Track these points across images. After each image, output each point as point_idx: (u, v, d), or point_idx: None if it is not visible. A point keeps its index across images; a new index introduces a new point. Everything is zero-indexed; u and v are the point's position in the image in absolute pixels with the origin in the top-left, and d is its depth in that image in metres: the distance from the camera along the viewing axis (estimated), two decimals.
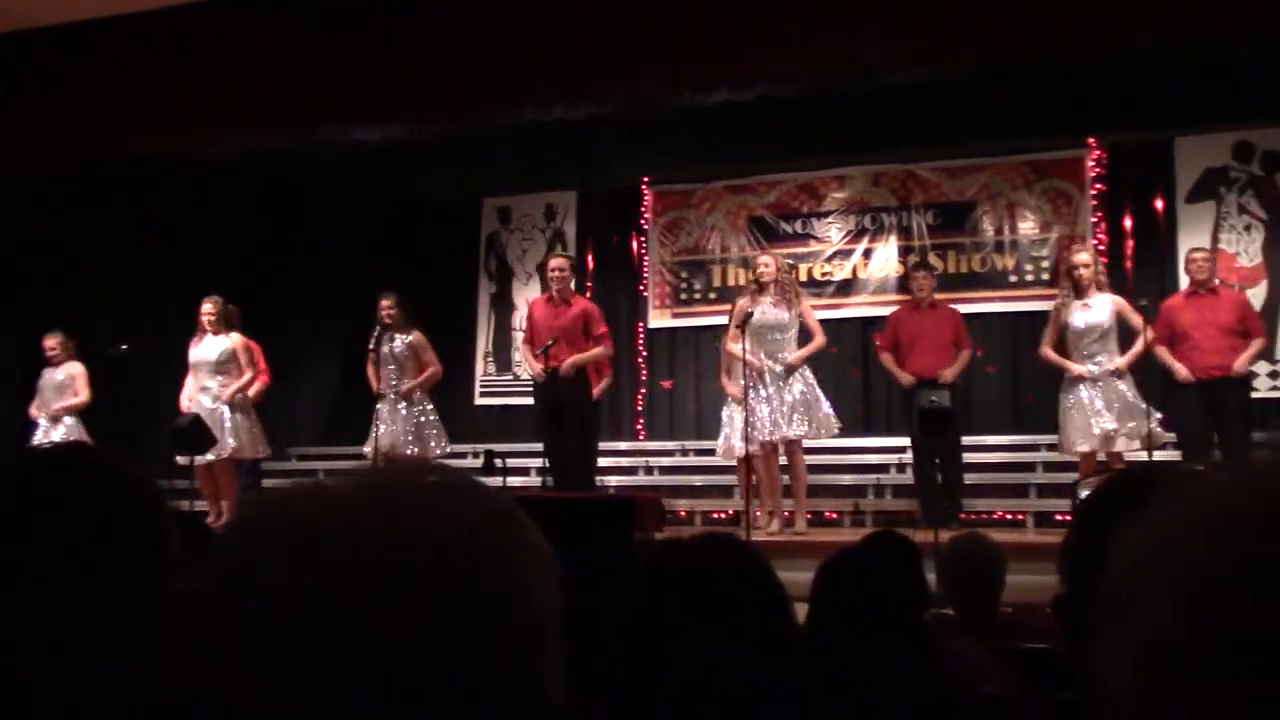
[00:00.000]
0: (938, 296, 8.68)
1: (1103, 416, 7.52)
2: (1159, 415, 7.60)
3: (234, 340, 8.54)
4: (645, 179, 11.05)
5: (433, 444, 8.61)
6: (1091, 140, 9.84)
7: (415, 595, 0.67)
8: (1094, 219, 9.89)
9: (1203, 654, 0.53)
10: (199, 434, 7.92)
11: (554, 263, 8.40)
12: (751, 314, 7.77)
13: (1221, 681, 0.53)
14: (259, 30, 8.10)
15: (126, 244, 9.69)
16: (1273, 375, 9.05)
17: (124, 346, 8.63)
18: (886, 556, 2.16)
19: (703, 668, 1.32)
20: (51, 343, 8.80)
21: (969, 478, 8.50)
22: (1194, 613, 0.54)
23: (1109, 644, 0.58)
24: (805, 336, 8.00)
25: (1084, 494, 5.69)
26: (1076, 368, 7.63)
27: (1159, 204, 9.74)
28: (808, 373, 7.97)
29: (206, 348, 8.50)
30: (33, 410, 8.84)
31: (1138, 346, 7.58)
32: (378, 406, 8.58)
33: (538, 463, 8.89)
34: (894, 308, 9.63)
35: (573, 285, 8.45)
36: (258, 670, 0.66)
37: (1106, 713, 0.58)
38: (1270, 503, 0.55)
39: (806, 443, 8.02)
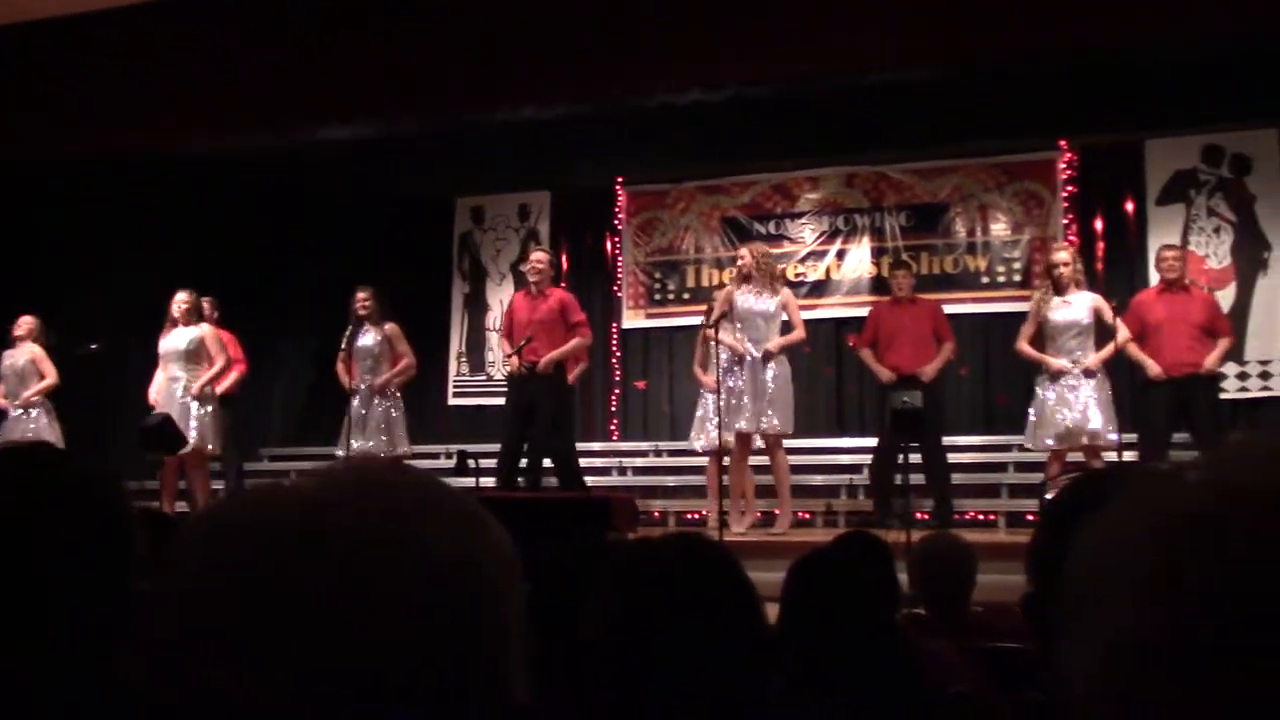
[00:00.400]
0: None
1: (1074, 414, 7.53)
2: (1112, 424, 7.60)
3: (203, 330, 8.45)
4: (619, 179, 11.05)
5: (401, 445, 8.58)
6: (1063, 143, 9.90)
7: (377, 595, 0.67)
8: (1065, 221, 9.95)
9: (1164, 654, 0.53)
10: (169, 433, 7.85)
11: (535, 256, 8.47)
12: (734, 303, 7.84)
13: (1182, 681, 0.53)
14: (226, 27, 8.06)
15: (99, 239, 9.61)
16: (1241, 376, 9.13)
17: (94, 345, 8.56)
18: (857, 556, 2.16)
19: (670, 667, 1.32)
20: (26, 322, 8.64)
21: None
22: (1156, 612, 0.54)
23: (1073, 644, 0.58)
24: (789, 329, 8.01)
25: (1051, 494, 5.72)
26: (1055, 362, 7.62)
27: (1129, 206, 9.81)
28: (785, 365, 7.96)
29: (175, 338, 8.41)
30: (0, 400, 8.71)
31: (1110, 348, 7.60)
32: (354, 403, 8.54)
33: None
34: (867, 309, 9.67)
35: (551, 280, 8.47)
36: (219, 669, 0.65)
37: (1073, 712, 0.58)
38: (1235, 502, 0.55)
39: None
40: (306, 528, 0.69)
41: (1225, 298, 9.12)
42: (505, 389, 8.69)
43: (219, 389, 8.58)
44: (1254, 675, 0.51)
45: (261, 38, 8.02)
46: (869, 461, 9.28)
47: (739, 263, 8.08)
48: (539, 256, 8.41)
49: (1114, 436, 7.47)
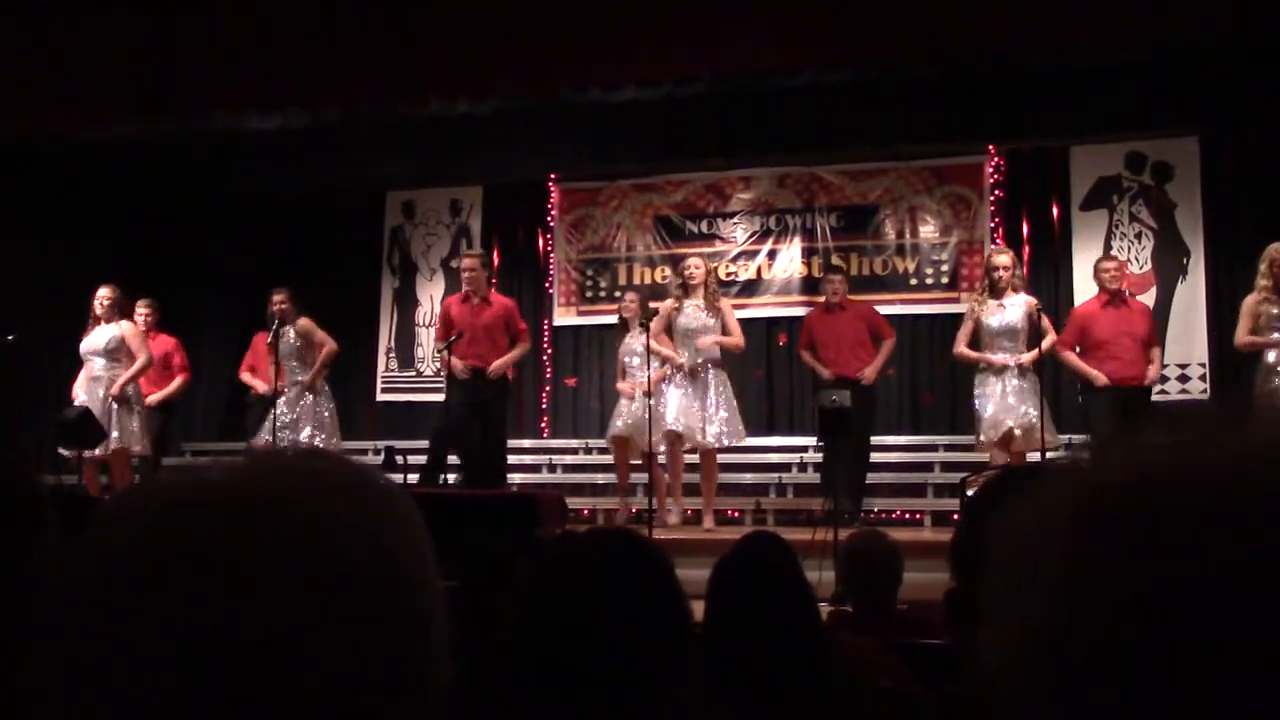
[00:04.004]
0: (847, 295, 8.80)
1: (1013, 410, 7.63)
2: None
3: (122, 328, 8.28)
4: (552, 175, 11.01)
5: (333, 439, 8.52)
6: (991, 147, 10.04)
7: (296, 578, 0.65)
8: (992, 224, 10.09)
9: (1074, 643, 0.54)
10: (87, 428, 7.69)
11: (465, 262, 8.41)
12: (674, 319, 7.99)
13: (1091, 671, 0.53)
14: (155, 11, 7.91)
15: (13, 231, 9.39)
16: (1160, 380, 9.30)
17: (10, 337, 8.36)
18: (764, 555, 2.19)
19: (588, 658, 1.31)
20: None
21: (868, 477, 8.62)
22: (1067, 601, 0.54)
23: (989, 637, 0.58)
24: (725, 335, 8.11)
25: (971, 490, 5.80)
26: (996, 358, 7.70)
27: (1054, 211, 9.97)
28: (724, 376, 8.04)
29: (96, 336, 8.24)
30: None
31: (1045, 343, 7.69)
32: (281, 400, 8.45)
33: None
34: (797, 308, 9.77)
35: (487, 282, 8.45)
36: (128, 655, 0.63)
37: (990, 706, 0.58)
38: (1142, 491, 0.55)
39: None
40: (226, 510, 0.67)
41: (1145, 302, 9.29)
42: (449, 387, 8.54)
43: (158, 396, 8.50)
44: (1161, 662, 0.51)
45: (186, 23, 7.88)
46: (797, 460, 9.37)
47: (688, 273, 8.09)
48: (470, 262, 8.36)
49: (1037, 429, 7.56)
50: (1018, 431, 7.60)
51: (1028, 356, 7.68)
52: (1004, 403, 7.64)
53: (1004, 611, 0.57)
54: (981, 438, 7.92)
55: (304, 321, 8.49)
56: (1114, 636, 0.53)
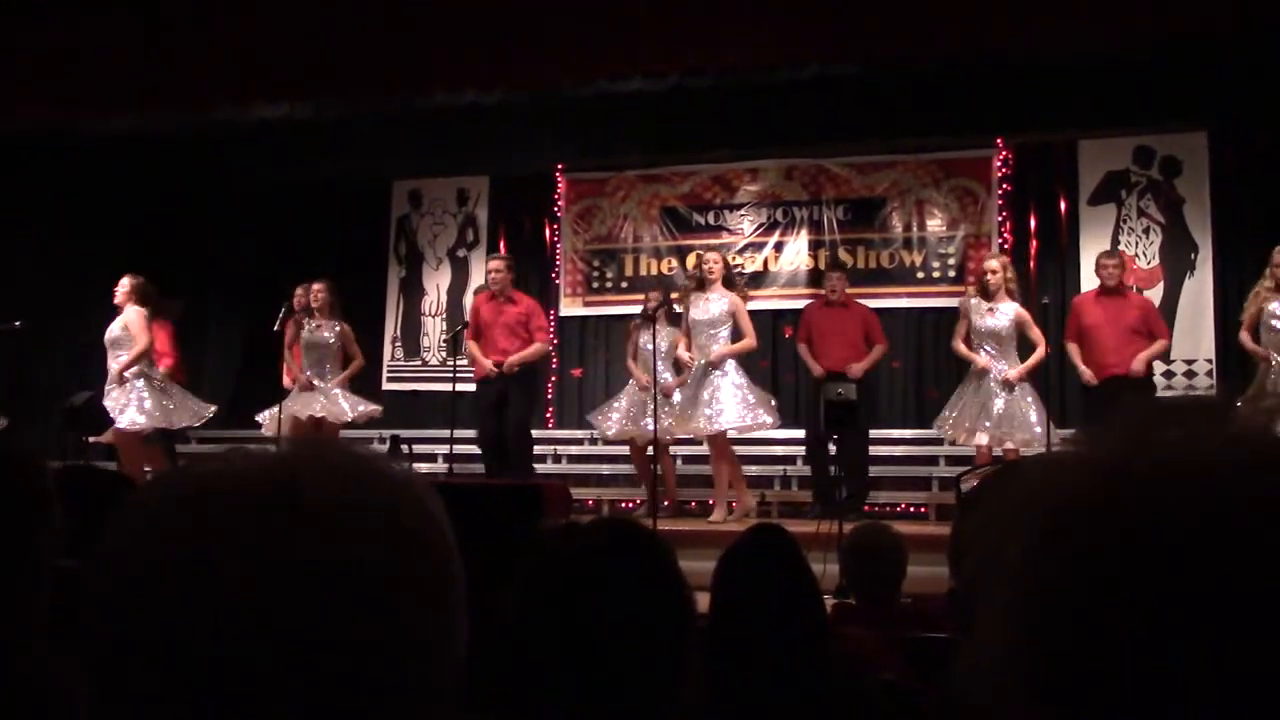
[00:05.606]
0: (847, 291, 8.80)
1: (987, 419, 7.68)
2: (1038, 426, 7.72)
3: (126, 315, 8.25)
4: (559, 166, 11.00)
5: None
6: (999, 141, 10.01)
7: (348, 563, 0.66)
8: (999, 218, 10.07)
9: (1045, 647, 0.53)
10: (91, 414, 7.72)
11: (491, 264, 8.80)
12: (690, 311, 8.12)
13: (1064, 678, 0.53)
14: (156, 6, 7.92)
15: (17, 226, 9.41)
16: (1167, 375, 9.29)
17: (17, 324, 8.38)
18: (767, 548, 2.19)
19: (586, 648, 1.31)
20: None
21: (872, 470, 8.63)
22: (1033, 606, 0.54)
23: (975, 638, 0.58)
24: (738, 335, 8.15)
25: (966, 487, 5.79)
26: (981, 359, 7.79)
27: (1062, 205, 9.95)
28: (732, 366, 8.09)
29: (112, 325, 8.26)
30: None
31: (1034, 358, 7.77)
32: (296, 390, 8.53)
33: (444, 449, 8.85)
34: (804, 301, 9.74)
35: (512, 282, 8.62)
36: (166, 639, 0.64)
37: (978, 704, 0.57)
38: (1101, 493, 0.54)
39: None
40: (253, 500, 0.68)
41: (1153, 298, 9.28)
42: (477, 382, 8.72)
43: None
44: (1143, 665, 0.51)
45: (187, 15, 7.88)
46: (802, 453, 9.36)
47: (706, 268, 8.18)
48: (496, 265, 8.65)
49: (1030, 441, 7.57)
50: (983, 438, 7.68)
51: (1014, 372, 7.70)
52: (974, 408, 7.68)
53: (985, 611, 0.57)
54: (935, 426, 8.00)
55: (347, 328, 8.64)
56: (1093, 639, 0.52)
